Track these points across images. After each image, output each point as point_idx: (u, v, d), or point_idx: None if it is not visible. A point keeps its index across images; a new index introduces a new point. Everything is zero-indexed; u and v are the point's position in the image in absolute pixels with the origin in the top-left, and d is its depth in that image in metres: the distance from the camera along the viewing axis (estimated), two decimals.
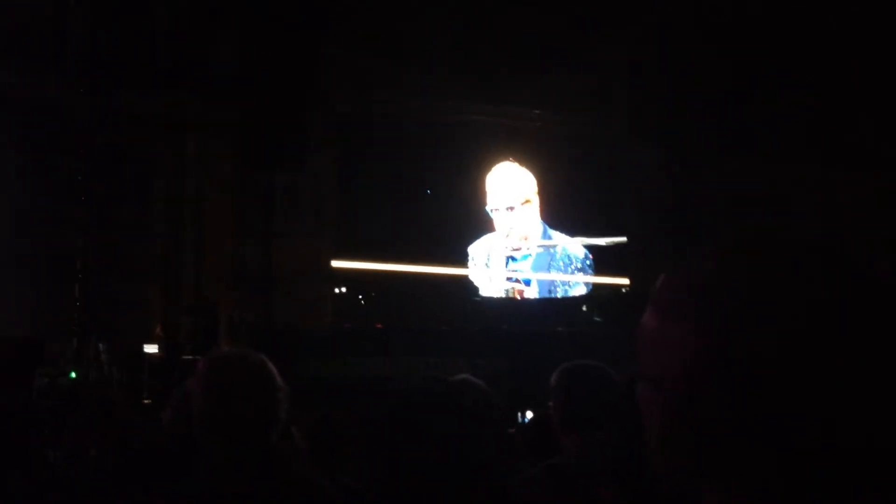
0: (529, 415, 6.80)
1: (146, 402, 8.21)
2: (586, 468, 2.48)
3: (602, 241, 12.09)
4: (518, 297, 12.09)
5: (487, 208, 11.92)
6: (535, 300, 12.13)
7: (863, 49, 10.81)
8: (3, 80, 9.66)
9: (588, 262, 12.24)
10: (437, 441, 1.98)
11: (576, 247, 12.20)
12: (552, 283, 12.18)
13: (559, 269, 12.15)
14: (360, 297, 11.18)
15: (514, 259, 12.02)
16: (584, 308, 12.09)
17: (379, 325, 10.97)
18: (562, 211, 12.18)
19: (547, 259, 12.17)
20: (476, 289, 11.85)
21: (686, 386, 0.80)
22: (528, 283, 12.09)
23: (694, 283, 0.84)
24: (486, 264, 11.81)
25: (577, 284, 12.26)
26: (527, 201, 12.02)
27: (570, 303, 12.20)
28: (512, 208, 11.95)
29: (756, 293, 0.79)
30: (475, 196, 11.89)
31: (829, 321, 0.78)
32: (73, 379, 8.89)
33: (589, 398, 2.62)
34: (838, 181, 11.43)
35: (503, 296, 12.03)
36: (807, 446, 0.76)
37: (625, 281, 12.33)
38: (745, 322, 0.78)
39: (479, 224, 11.89)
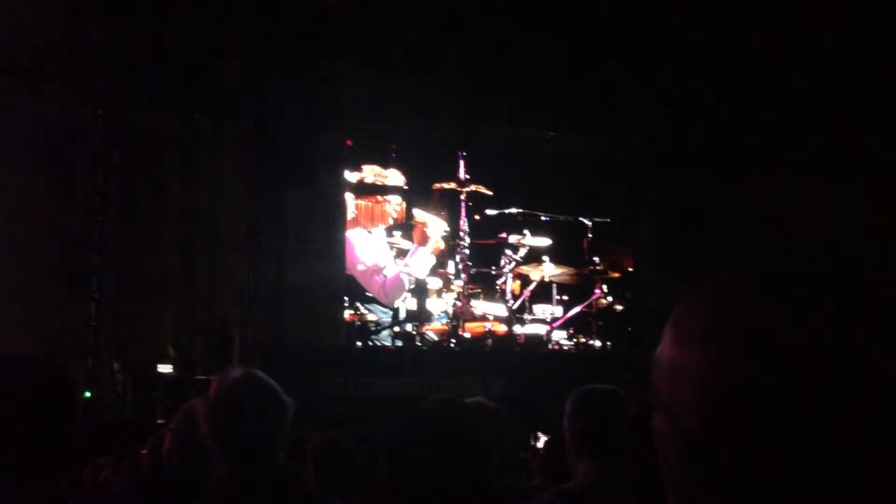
0: (542, 438, 6.76)
1: (159, 421, 8.21)
2: (600, 494, 2.46)
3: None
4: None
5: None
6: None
7: (874, 66, 10.80)
8: (20, 100, 9.74)
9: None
10: (449, 463, 1.96)
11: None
12: None
13: None
14: (373, 319, 11.16)
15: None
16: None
17: (392, 347, 10.95)
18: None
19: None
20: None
21: (703, 415, 0.79)
22: None
23: (711, 308, 0.83)
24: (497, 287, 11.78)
25: None
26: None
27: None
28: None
29: (775, 320, 0.78)
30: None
31: (854, 350, 0.77)
32: (88, 398, 8.90)
33: (602, 423, 2.60)
34: (850, 199, 11.39)
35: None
36: (825, 477, 0.75)
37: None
38: (763, 350, 0.77)
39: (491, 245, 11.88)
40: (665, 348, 0.84)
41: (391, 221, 11.68)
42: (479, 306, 11.34)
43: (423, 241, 11.36)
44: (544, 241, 11.71)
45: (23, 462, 1.69)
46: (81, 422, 1.89)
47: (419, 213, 11.40)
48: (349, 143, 11.54)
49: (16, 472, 1.67)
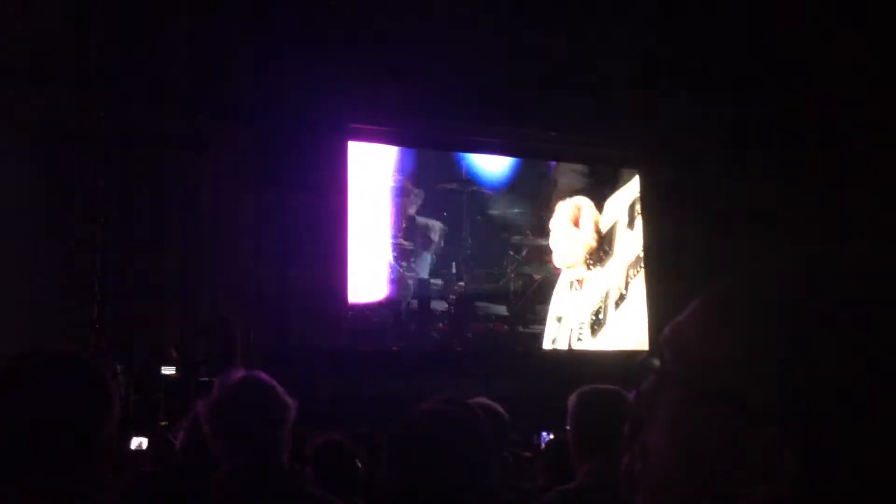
0: (546, 437, 6.76)
1: (163, 423, 8.21)
2: (601, 494, 2.45)
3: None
4: None
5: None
6: None
7: (874, 65, 10.79)
8: (21, 101, 9.73)
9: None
10: (451, 464, 1.96)
11: None
12: None
13: None
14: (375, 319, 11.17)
15: None
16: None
17: (395, 348, 10.95)
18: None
19: None
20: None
21: (728, 384, 0.80)
22: None
23: (748, 291, 0.83)
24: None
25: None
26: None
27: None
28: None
29: (817, 313, 0.79)
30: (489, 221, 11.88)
31: (870, 346, 0.78)
32: None
33: (604, 423, 2.59)
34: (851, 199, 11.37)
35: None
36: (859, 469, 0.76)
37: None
38: (801, 326, 0.78)
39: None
40: (692, 319, 0.85)
41: None
42: (482, 306, 11.35)
43: (428, 244, 11.41)
44: (547, 241, 11.72)
45: (30, 463, 1.65)
46: (115, 423, 1.78)
47: (421, 219, 11.44)
48: None
49: (21, 473, 1.64)
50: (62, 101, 9.95)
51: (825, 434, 0.75)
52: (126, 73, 10.11)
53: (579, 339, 11.65)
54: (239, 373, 2.51)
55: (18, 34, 9.69)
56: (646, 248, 12.36)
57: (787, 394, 0.77)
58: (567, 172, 12.32)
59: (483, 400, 3.24)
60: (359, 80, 11.12)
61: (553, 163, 12.34)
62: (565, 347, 11.58)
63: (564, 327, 11.64)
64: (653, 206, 12.50)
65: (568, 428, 2.75)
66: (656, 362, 0.86)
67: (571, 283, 11.79)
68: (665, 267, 11.86)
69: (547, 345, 11.50)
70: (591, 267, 11.87)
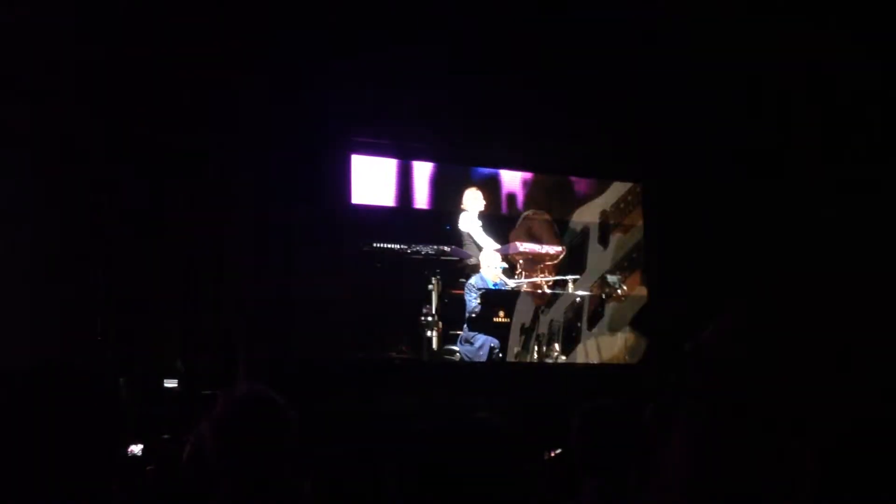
0: (551, 453, 6.72)
1: (165, 437, 8.19)
2: None
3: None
4: None
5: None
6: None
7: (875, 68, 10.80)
8: (24, 115, 9.75)
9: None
10: (456, 482, 1.95)
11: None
12: None
13: None
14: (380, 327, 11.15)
15: None
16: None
17: (396, 361, 10.89)
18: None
19: None
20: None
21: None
22: None
23: (779, 306, 0.83)
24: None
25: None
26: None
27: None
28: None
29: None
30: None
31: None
32: None
33: (608, 441, 2.58)
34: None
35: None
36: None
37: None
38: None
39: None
40: (718, 342, 0.84)
41: None
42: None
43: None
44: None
45: (43, 477, 1.61)
46: (125, 436, 1.73)
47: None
48: None
49: (35, 487, 1.60)
50: (65, 114, 9.96)
51: (847, 445, 0.75)
52: (127, 85, 10.12)
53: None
54: (242, 388, 2.50)
55: (21, 44, 9.71)
56: (646, 260, 12.30)
57: (813, 408, 0.76)
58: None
59: (484, 414, 3.23)
60: (362, 89, 11.11)
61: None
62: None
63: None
64: (654, 218, 12.46)
65: (572, 443, 2.74)
66: (674, 378, 0.85)
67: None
68: (666, 278, 11.83)
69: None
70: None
